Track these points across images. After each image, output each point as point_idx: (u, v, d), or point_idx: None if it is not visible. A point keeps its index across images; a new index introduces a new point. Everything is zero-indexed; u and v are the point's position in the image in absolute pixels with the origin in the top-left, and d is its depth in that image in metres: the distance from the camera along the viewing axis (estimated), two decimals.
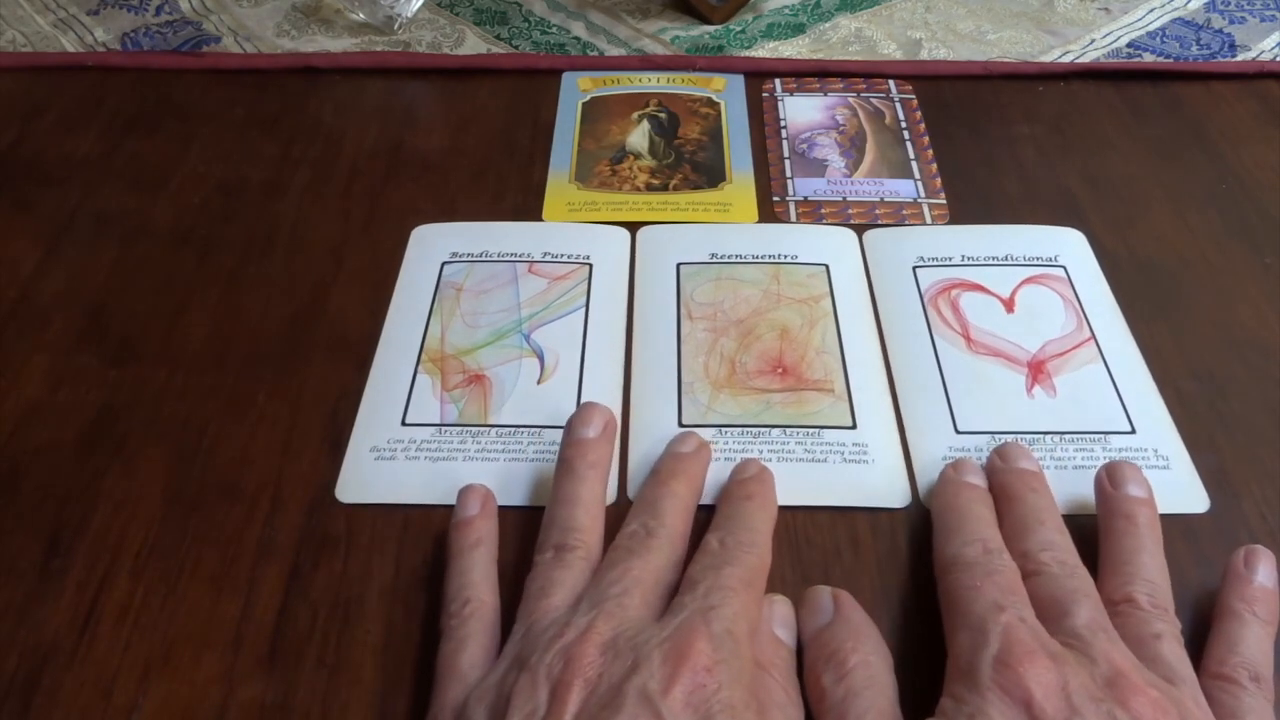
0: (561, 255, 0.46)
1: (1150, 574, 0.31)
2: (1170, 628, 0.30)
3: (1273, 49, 0.59)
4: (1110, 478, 0.35)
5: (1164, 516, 0.34)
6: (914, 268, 0.45)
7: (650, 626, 0.29)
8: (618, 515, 0.34)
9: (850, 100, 0.56)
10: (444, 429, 0.38)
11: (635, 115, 0.55)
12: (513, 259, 0.45)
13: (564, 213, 0.48)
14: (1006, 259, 0.46)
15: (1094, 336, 0.42)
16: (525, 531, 0.35)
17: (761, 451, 0.38)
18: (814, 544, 0.35)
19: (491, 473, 0.37)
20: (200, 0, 0.62)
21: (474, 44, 0.60)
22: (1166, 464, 0.37)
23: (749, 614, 0.30)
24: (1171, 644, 0.30)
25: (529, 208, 0.49)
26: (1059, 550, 0.32)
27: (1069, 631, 0.29)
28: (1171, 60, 0.58)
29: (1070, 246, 0.46)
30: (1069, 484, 0.36)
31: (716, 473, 0.37)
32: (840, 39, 0.60)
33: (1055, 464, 0.37)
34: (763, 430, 0.38)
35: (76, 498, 0.36)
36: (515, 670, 0.28)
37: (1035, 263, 0.45)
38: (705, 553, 0.32)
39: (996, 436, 0.38)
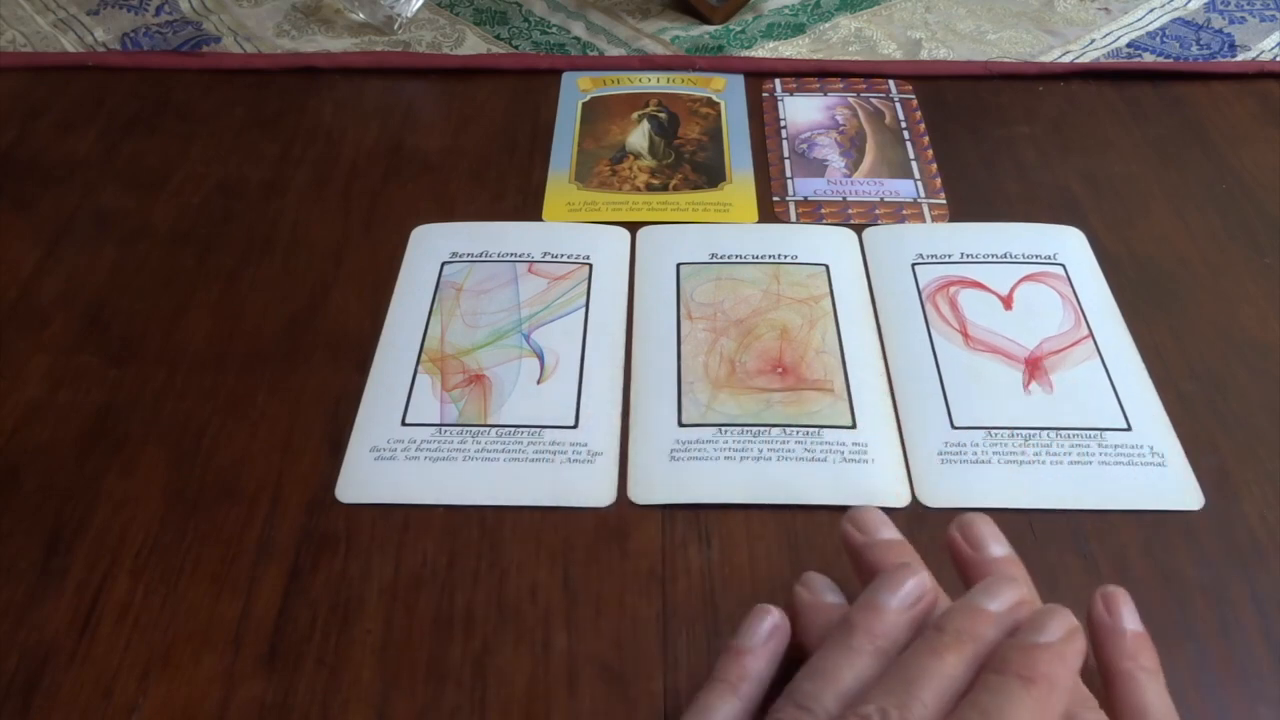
0: (561, 255, 0.46)
1: None
2: None
3: (1273, 49, 0.59)
4: (1108, 607, 0.29)
5: (1160, 514, 0.34)
6: (913, 264, 0.45)
7: None
8: (613, 515, 0.34)
9: (850, 100, 0.56)
10: (444, 429, 0.38)
11: (635, 115, 0.55)
12: (513, 259, 0.46)
13: (564, 213, 0.48)
14: (1005, 256, 0.46)
15: (1092, 334, 0.42)
16: (523, 533, 0.35)
17: (761, 450, 0.38)
18: (814, 544, 0.35)
19: (491, 473, 0.37)
20: (200, 0, 0.62)
21: (474, 44, 0.60)
22: (1162, 461, 0.37)
23: None
24: None
25: (529, 208, 0.49)
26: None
27: None
28: (1171, 60, 0.58)
29: (1070, 245, 0.46)
30: (1064, 480, 0.37)
31: (713, 472, 0.37)
32: (840, 39, 0.60)
33: (1051, 460, 0.37)
34: (762, 430, 0.38)
35: (76, 497, 0.36)
36: None
37: (1034, 260, 0.45)
38: None
39: (992, 432, 0.38)
